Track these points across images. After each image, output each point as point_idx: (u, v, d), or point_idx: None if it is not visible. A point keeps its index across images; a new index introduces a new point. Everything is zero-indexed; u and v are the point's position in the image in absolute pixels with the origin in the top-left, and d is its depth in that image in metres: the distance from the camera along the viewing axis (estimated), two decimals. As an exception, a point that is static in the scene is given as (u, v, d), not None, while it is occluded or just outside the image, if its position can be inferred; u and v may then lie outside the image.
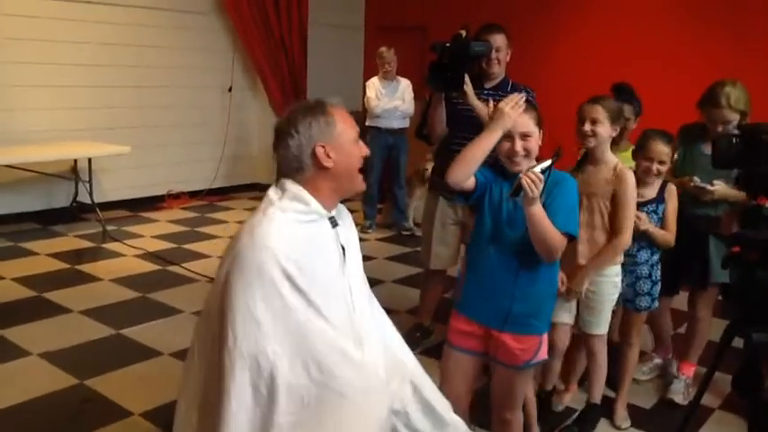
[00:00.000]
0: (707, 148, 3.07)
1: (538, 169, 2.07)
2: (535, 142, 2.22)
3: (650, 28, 6.55)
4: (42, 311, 4.07)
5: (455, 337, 2.33)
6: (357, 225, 6.99)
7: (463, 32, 3.09)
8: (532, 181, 2.02)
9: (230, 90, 7.58)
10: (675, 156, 2.90)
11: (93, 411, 2.98)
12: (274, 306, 1.72)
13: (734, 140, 1.88)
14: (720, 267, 3.01)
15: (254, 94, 7.88)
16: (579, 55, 6.94)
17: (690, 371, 3.30)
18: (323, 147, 1.86)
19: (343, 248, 1.94)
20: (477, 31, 3.33)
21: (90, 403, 3.05)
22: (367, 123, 6.37)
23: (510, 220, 2.20)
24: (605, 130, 2.68)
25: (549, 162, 2.15)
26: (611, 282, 2.79)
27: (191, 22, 7.11)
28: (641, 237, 2.87)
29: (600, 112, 2.67)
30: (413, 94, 6.35)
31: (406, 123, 6.37)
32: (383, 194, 6.64)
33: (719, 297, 3.25)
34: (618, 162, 2.76)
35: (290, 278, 1.73)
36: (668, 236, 2.91)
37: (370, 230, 6.31)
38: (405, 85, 6.35)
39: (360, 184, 1.97)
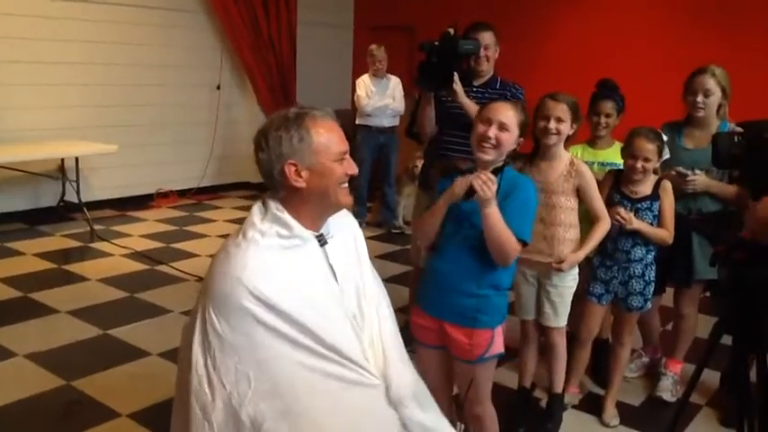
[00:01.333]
0: (687, 142, 3.10)
1: (489, 170, 2.08)
2: (510, 138, 2.22)
3: (640, 26, 6.58)
4: (29, 312, 4.03)
5: (416, 331, 2.36)
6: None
7: (451, 31, 3.08)
8: (484, 182, 2.02)
9: (219, 88, 7.55)
10: (664, 155, 2.90)
11: (81, 413, 2.96)
12: (246, 335, 1.64)
13: (736, 139, 1.81)
14: (706, 265, 3.04)
15: (243, 92, 7.85)
16: (569, 53, 6.96)
17: (677, 368, 3.31)
18: (294, 165, 1.70)
19: (333, 267, 1.82)
20: (465, 29, 3.33)
21: (77, 405, 3.03)
22: (357, 122, 6.36)
23: (467, 217, 2.19)
24: (567, 127, 2.69)
25: (500, 164, 2.17)
26: (570, 275, 2.79)
27: (178, 20, 7.07)
28: (636, 233, 2.86)
29: (564, 111, 2.67)
30: (403, 92, 6.35)
31: (396, 122, 6.36)
32: (373, 193, 6.63)
33: (706, 294, 3.27)
34: (571, 156, 2.80)
35: (255, 315, 1.63)
36: (663, 233, 2.86)
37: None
38: (395, 82, 6.35)
39: (345, 200, 1.82)
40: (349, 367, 1.72)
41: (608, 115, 3.24)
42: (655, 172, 2.91)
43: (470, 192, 2.06)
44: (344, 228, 1.94)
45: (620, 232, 2.87)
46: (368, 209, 6.57)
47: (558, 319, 2.85)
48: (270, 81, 7.70)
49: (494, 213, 2.07)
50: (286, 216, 1.74)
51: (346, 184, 1.82)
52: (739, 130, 1.87)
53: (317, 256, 1.79)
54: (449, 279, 2.23)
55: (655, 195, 2.88)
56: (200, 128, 7.47)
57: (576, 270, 2.82)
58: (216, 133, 7.57)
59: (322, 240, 1.82)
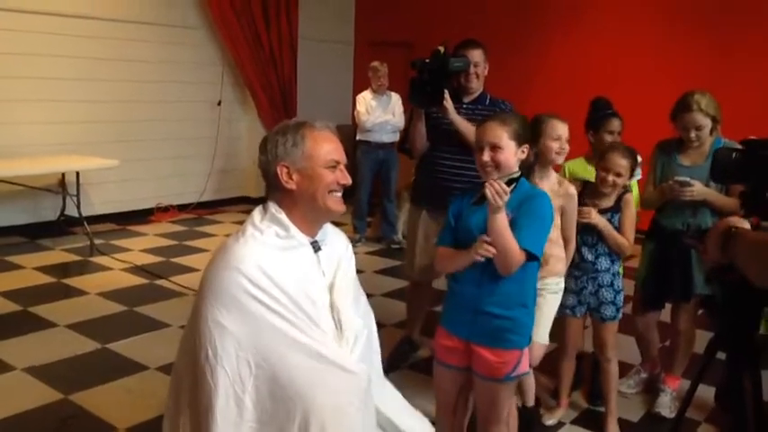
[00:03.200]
0: (683, 159, 3.12)
1: (505, 180, 2.09)
2: (507, 155, 2.19)
3: (636, 43, 6.63)
4: (28, 326, 4.04)
5: (440, 351, 2.33)
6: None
7: (441, 48, 3.15)
8: (496, 191, 2.02)
9: (219, 104, 7.60)
10: (635, 174, 2.94)
11: (78, 427, 2.96)
12: (246, 322, 1.72)
13: (734, 155, 1.83)
14: (703, 280, 3.05)
15: (244, 107, 7.90)
16: (564, 69, 7.02)
17: (675, 384, 3.31)
18: (286, 167, 1.84)
19: (325, 274, 1.92)
20: (455, 47, 3.39)
21: (74, 419, 3.02)
22: (357, 137, 6.40)
23: (478, 232, 2.18)
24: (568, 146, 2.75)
25: (516, 173, 2.16)
26: (551, 292, 2.78)
27: (180, 36, 7.13)
28: (599, 244, 2.92)
29: (567, 131, 2.73)
30: (403, 108, 6.39)
31: (396, 137, 6.37)
32: (373, 208, 6.65)
33: (700, 311, 3.28)
34: (558, 176, 2.83)
35: (256, 297, 1.73)
36: (621, 239, 2.91)
37: (359, 244, 6.31)
38: (396, 99, 6.39)
39: (334, 206, 1.91)
40: (340, 356, 1.82)
41: (618, 134, 3.32)
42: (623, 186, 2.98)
43: (481, 198, 2.07)
44: (335, 242, 2.02)
45: (582, 242, 2.94)
46: (368, 224, 6.58)
47: (538, 336, 2.74)
48: (271, 96, 7.74)
49: (500, 219, 2.06)
50: (283, 217, 1.85)
51: (338, 193, 1.92)
52: (739, 146, 1.88)
53: (310, 260, 1.88)
54: (475, 302, 2.19)
55: (616, 208, 2.95)
56: (201, 143, 7.51)
57: (559, 287, 2.81)
58: (217, 148, 7.61)
59: (316, 246, 1.91)
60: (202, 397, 1.73)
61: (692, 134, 3.02)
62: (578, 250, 2.94)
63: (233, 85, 7.75)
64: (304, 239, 1.87)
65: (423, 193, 3.54)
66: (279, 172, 1.84)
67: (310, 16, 8.07)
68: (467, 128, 3.18)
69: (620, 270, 3.05)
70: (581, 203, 2.91)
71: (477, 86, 3.41)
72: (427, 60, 3.13)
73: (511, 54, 7.15)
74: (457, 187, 2.99)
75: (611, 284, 2.98)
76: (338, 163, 1.89)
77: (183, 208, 7.35)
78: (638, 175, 2.96)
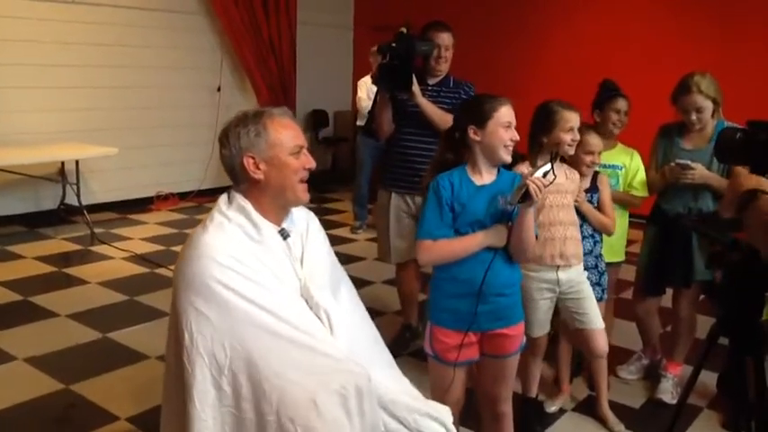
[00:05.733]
0: (685, 143, 3.10)
1: (540, 174, 2.07)
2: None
3: (636, 29, 6.57)
4: (28, 315, 4.04)
5: (449, 353, 2.22)
6: (347, 226, 6.89)
7: (404, 29, 3.15)
8: (538, 187, 2.04)
9: (219, 90, 7.55)
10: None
11: (79, 416, 2.96)
12: (219, 308, 1.74)
13: (737, 135, 1.83)
14: (704, 267, 3.03)
15: (243, 93, 7.85)
16: (565, 56, 6.96)
17: (677, 370, 3.30)
18: (252, 158, 1.84)
19: (293, 261, 1.92)
20: (422, 28, 3.42)
21: (75, 408, 3.02)
22: (358, 123, 6.35)
23: (480, 223, 2.18)
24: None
25: (549, 166, 2.13)
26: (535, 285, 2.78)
27: (178, 21, 7.07)
28: (583, 225, 2.91)
29: (578, 120, 2.71)
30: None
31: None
32: (373, 195, 6.61)
33: (702, 297, 3.27)
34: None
35: (227, 285, 1.74)
36: (605, 219, 2.98)
37: (360, 231, 6.29)
38: (396, 84, 6.32)
39: (302, 196, 1.93)
40: (316, 338, 1.81)
41: (625, 113, 3.28)
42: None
43: (524, 196, 2.05)
44: (304, 226, 2.03)
45: None
46: (369, 211, 6.56)
47: (531, 329, 2.77)
48: (270, 82, 7.70)
49: (531, 212, 2.12)
50: (249, 207, 1.87)
51: (305, 181, 1.93)
52: (742, 127, 1.87)
53: (278, 249, 1.89)
54: (485, 286, 2.15)
55: (594, 188, 3.01)
56: (201, 130, 7.46)
57: (544, 284, 2.76)
58: (216, 135, 7.52)
59: (284, 233, 1.92)
60: (183, 380, 1.75)
61: (693, 116, 2.99)
62: None
63: (232, 70, 7.70)
64: (272, 230, 1.89)
65: (391, 176, 3.56)
66: (246, 163, 1.84)
67: (309, 1, 8.00)
68: (433, 111, 3.27)
69: (602, 252, 3.05)
70: None
71: (444, 69, 3.44)
72: (393, 45, 3.15)
73: (510, 38, 7.09)
74: (424, 168, 2.92)
75: (596, 266, 3.01)
76: (302, 147, 1.91)
77: (183, 196, 7.33)
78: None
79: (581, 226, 2.90)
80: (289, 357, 1.74)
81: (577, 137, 2.68)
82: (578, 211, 2.88)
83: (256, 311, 1.75)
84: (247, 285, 1.76)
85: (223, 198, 1.92)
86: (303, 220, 2.03)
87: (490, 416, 2.40)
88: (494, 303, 2.19)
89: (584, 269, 2.92)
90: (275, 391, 1.70)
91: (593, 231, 3.00)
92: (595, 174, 3.04)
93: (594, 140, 2.93)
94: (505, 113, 2.17)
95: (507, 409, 2.37)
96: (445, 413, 2.01)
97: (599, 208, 3.00)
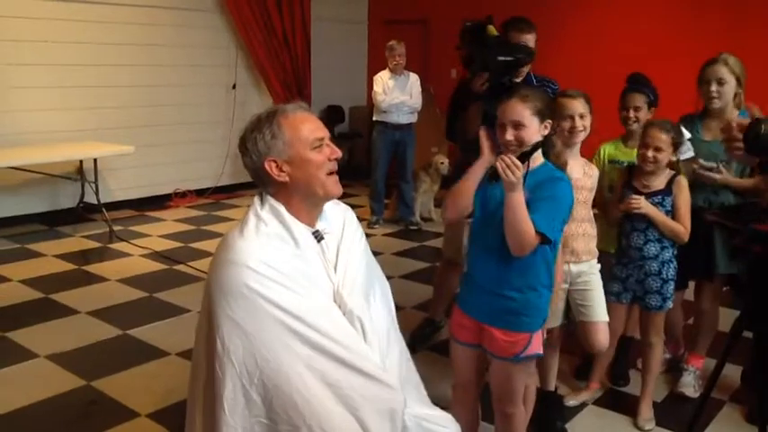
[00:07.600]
0: (705, 134, 3.05)
1: (517, 154, 2.04)
2: (530, 132, 2.14)
3: (654, 18, 6.49)
4: (49, 313, 4.07)
5: (455, 329, 2.35)
6: (363, 221, 6.88)
7: (494, 30, 2.91)
8: (507, 165, 1.98)
9: (234, 87, 7.57)
10: (683, 152, 2.83)
11: (100, 413, 2.98)
12: (251, 316, 1.69)
13: (763, 128, 1.81)
14: (727, 259, 2.98)
15: (259, 90, 7.87)
16: (581, 46, 6.89)
17: (699, 363, 3.26)
18: (273, 161, 1.77)
19: (328, 264, 1.86)
20: (502, 26, 3.19)
21: (96, 405, 3.05)
22: (374, 118, 6.34)
23: (494, 214, 2.15)
24: (589, 121, 2.66)
25: (528, 148, 2.11)
26: (598, 270, 2.75)
27: (192, 19, 7.10)
28: (649, 229, 2.81)
29: (584, 105, 2.65)
30: (420, 89, 6.32)
31: (413, 118, 6.32)
32: (389, 189, 6.61)
33: (725, 288, 3.22)
34: (584, 159, 2.76)
35: (260, 293, 1.69)
36: (677, 227, 2.78)
37: (376, 226, 6.29)
38: (413, 79, 6.30)
39: (333, 189, 1.86)
40: (350, 350, 1.75)
41: (637, 108, 3.13)
42: (674, 168, 2.83)
43: (494, 173, 2.02)
44: (340, 226, 1.96)
45: (632, 228, 2.83)
46: (385, 205, 6.55)
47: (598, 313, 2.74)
48: (284, 79, 7.70)
49: (516, 198, 2.02)
50: (282, 209, 1.80)
51: (335, 174, 1.86)
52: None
53: (312, 253, 1.83)
54: (490, 284, 2.19)
55: (667, 190, 2.81)
56: (217, 127, 7.50)
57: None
58: (232, 132, 7.58)
59: (318, 236, 1.86)
60: (213, 386, 1.73)
61: (714, 87, 2.93)
62: (627, 236, 2.86)
63: (247, 68, 7.72)
64: (306, 232, 1.82)
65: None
66: (268, 168, 1.77)
67: (323, -4, 8.00)
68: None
69: (674, 256, 2.86)
70: (629, 188, 2.84)
71: (526, 69, 3.24)
72: (509, 59, 2.80)
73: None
74: None
75: (659, 273, 2.83)
76: (322, 139, 1.83)
77: (200, 193, 7.37)
78: (688, 152, 2.82)
79: (646, 229, 2.80)
80: (322, 370, 1.70)
81: (579, 124, 2.61)
82: (637, 213, 2.76)
83: (289, 321, 1.69)
84: (281, 293, 1.70)
85: (257, 200, 1.85)
86: (339, 219, 1.96)
87: (499, 414, 2.40)
88: (497, 301, 2.18)
89: (645, 275, 2.83)
90: (307, 404, 1.67)
91: (660, 235, 2.82)
92: (674, 176, 2.81)
93: (655, 133, 2.73)
94: (511, 113, 2.15)
95: (512, 410, 2.34)
96: None
97: (673, 213, 2.80)
